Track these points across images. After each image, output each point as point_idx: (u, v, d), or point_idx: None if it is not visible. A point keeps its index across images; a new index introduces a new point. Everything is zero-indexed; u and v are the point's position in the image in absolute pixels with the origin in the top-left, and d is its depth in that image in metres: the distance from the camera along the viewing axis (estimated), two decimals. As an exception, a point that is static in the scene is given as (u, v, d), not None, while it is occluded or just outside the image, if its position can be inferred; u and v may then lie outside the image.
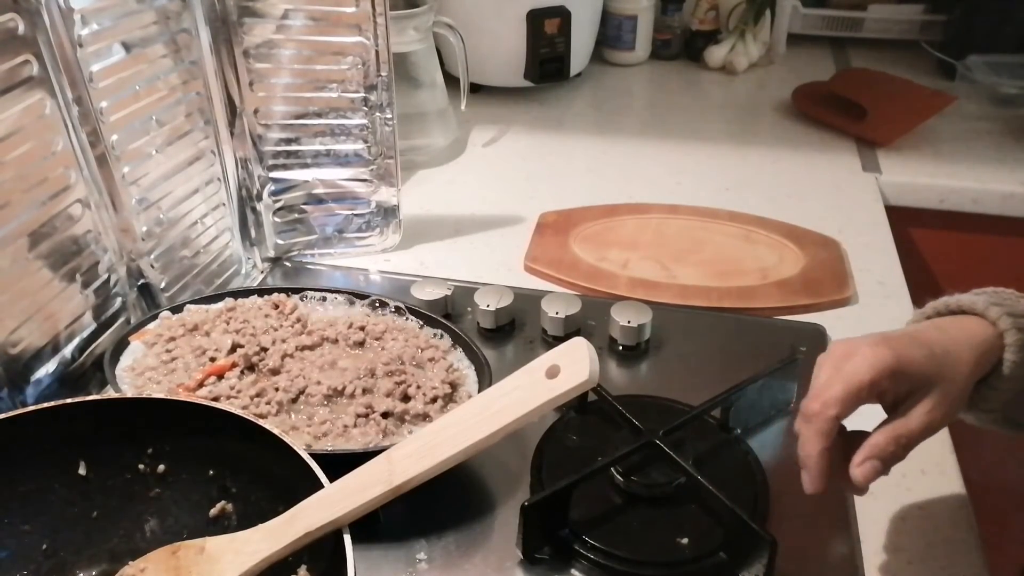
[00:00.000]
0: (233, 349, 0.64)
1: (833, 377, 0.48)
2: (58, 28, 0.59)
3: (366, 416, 0.59)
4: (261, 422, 0.50)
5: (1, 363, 0.59)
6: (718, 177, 1.06)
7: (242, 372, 0.63)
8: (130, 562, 0.51)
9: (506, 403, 0.46)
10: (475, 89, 1.25)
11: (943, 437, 0.65)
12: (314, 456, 0.48)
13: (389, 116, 0.81)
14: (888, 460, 0.48)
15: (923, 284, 1.05)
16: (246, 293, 0.73)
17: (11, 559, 0.50)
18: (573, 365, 0.45)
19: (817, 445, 0.48)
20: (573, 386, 0.44)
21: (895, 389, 0.48)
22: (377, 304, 0.72)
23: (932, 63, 1.36)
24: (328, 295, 0.73)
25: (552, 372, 0.45)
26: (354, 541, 0.43)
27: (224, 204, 0.81)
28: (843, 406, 0.47)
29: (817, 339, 0.75)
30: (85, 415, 0.51)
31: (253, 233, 0.86)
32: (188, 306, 0.71)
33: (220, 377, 0.62)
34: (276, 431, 0.49)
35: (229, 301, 0.72)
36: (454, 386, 0.63)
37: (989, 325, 0.51)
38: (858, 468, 0.48)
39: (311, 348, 0.66)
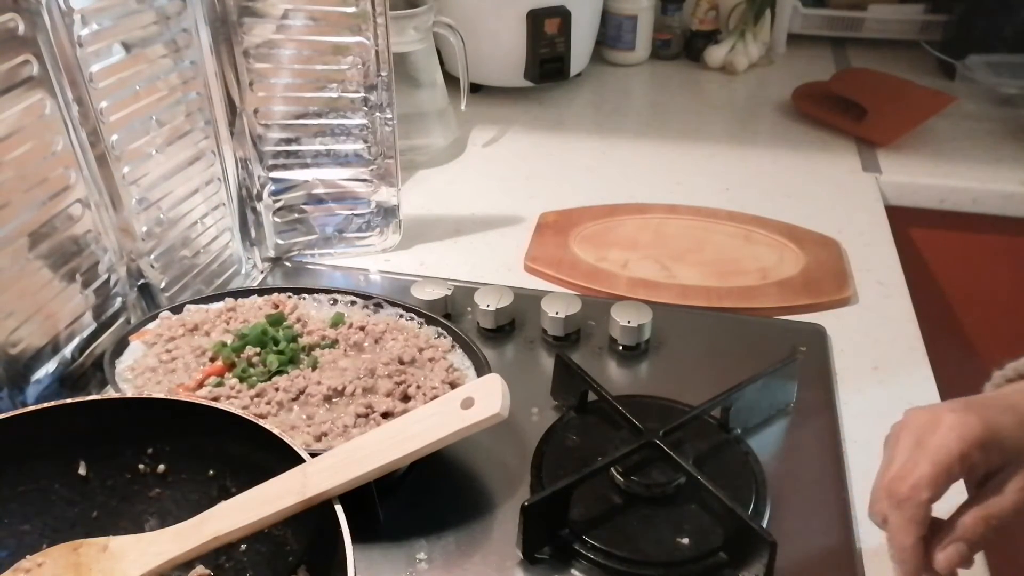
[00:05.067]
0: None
1: (918, 454, 0.43)
2: (58, 28, 0.59)
3: (366, 416, 0.59)
4: (261, 422, 0.50)
5: (1, 363, 0.59)
6: (718, 177, 1.06)
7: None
8: (28, 556, 0.50)
9: (421, 428, 0.48)
10: (475, 89, 1.25)
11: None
12: (314, 456, 0.48)
13: (389, 116, 0.81)
14: (977, 544, 0.43)
15: (923, 284, 1.05)
16: (246, 293, 0.73)
17: (11, 559, 0.50)
18: (487, 399, 0.48)
19: (912, 535, 0.43)
20: (484, 417, 0.47)
21: (985, 461, 0.43)
22: (377, 304, 0.72)
23: (932, 63, 1.36)
24: (328, 295, 0.73)
25: (467, 404, 0.48)
26: (354, 541, 0.43)
27: (224, 204, 0.81)
28: (936, 488, 0.43)
29: (817, 339, 0.75)
30: (85, 415, 0.51)
31: (253, 233, 0.86)
32: (188, 306, 0.71)
33: (220, 377, 0.62)
34: (276, 431, 0.49)
35: (229, 301, 0.72)
36: (454, 386, 0.63)
37: None
38: (942, 553, 0.43)
39: (311, 348, 0.66)
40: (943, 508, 0.45)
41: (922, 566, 0.43)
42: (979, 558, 0.56)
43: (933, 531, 0.44)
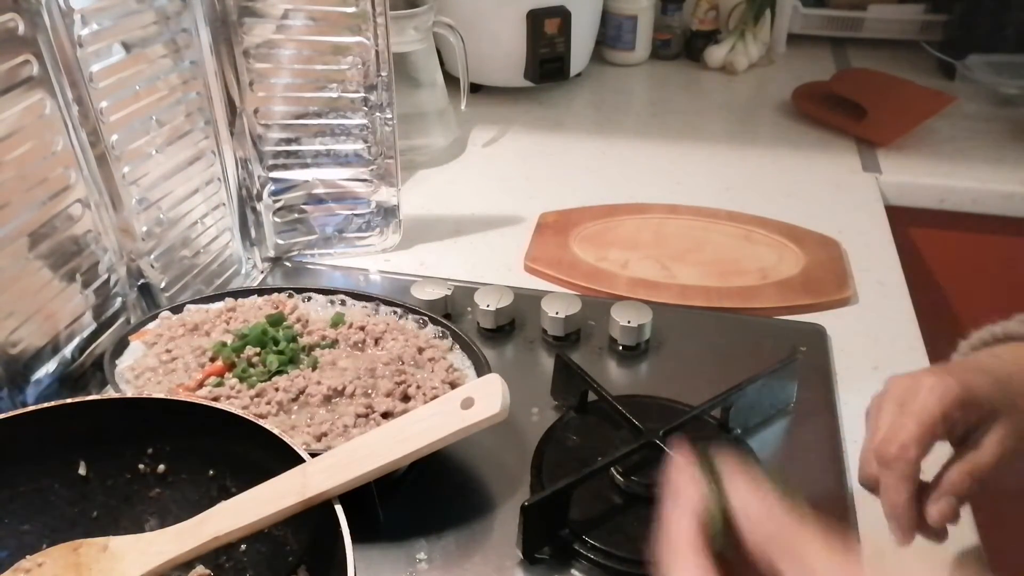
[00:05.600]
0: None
1: (902, 416, 0.46)
2: (58, 28, 0.59)
3: (366, 416, 0.59)
4: (261, 422, 0.50)
5: (1, 363, 0.59)
6: (718, 177, 1.06)
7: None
8: (28, 556, 0.50)
9: (421, 428, 0.48)
10: (475, 89, 1.25)
11: (943, 437, 0.65)
12: (314, 456, 0.48)
13: (389, 116, 0.81)
14: (964, 497, 0.45)
15: (923, 284, 1.05)
16: (246, 293, 0.73)
17: (11, 559, 0.50)
18: (487, 399, 0.48)
19: (904, 492, 0.45)
20: (485, 417, 0.47)
21: (964, 420, 0.46)
22: (377, 304, 0.72)
23: (932, 63, 1.36)
24: (328, 295, 0.73)
25: (467, 404, 0.48)
26: (354, 541, 0.43)
27: (224, 204, 0.81)
28: (921, 445, 0.45)
29: (817, 339, 0.75)
30: (85, 415, 0.51)
31: (253, 233, 0.86)
32: (188, 306, 0.71)
33: (220, 377, 0.62)
34: (276, 431, 0.49)
35: (229, 301, 0.71)
36: (454, 386, 0.63)
37: None
38: (934, 507, 0.45)
39: (311, 348, 0.66)
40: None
41: (916, 522, 0.45)
42: (979, 558, 0.56)
43: (921, 492, 0.46)
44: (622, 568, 0.53)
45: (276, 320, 0.67)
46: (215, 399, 0.59)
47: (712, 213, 0.96)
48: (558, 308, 0.74)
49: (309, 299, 0.73)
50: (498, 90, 1.29)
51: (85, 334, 0.67)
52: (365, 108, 0.81)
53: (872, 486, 0.48)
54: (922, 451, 0.45)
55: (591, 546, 0.54)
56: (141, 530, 0.53)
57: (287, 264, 0.88)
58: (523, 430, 0.65)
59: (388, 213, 0.88)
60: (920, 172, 1.07)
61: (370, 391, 0.61)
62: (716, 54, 1.40)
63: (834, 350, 0.75)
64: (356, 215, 0.88)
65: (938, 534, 0.46)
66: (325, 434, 0.58)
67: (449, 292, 0.77)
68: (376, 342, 0.67)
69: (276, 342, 0.65)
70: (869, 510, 0.59)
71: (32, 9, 0.57)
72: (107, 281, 0.69)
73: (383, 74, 0.79)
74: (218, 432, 0.51)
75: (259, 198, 0.84)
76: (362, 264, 0.88)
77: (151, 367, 0.63)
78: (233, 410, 0.52)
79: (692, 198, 0.99)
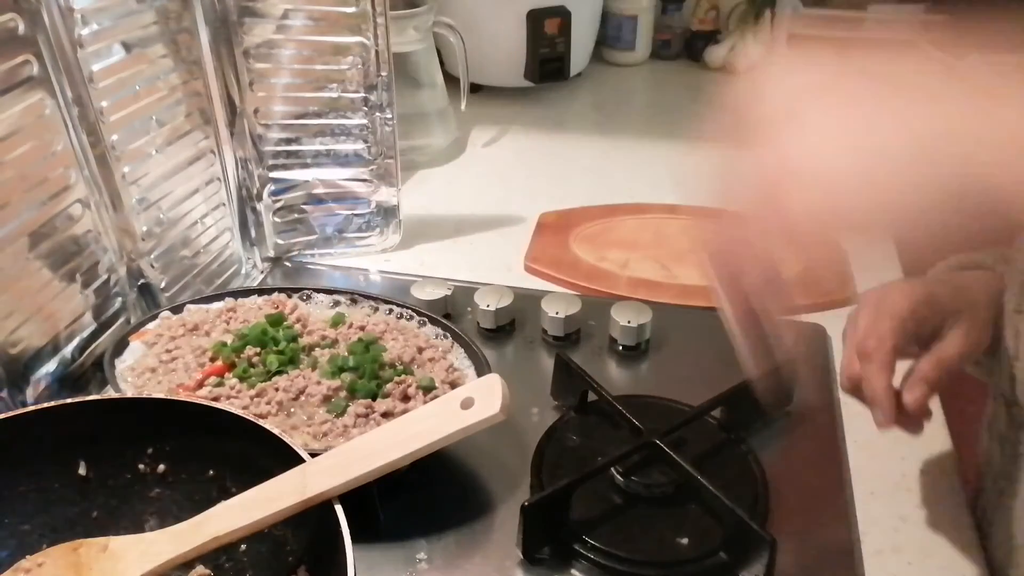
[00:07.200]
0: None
1: (877, 316, 0.51)
2: (58, 28, 0.59)
3: (366, 416, 0.59)
4: (261, 422, 0.50)
5: (1, 363, 0.59)
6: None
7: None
8: (28, 556, 0.50)
9: (421, 429, 0.48)
10: (475, 89, 1.25)
11: (943, 437, 0.65)
12: (314, 456, 0.48)
13: (389, 116, 0.81)
14: (934, 384, 0.50)
15: (923, 284, 1.05)
16: (246, 293, 0.73)
17: (11, 559, 0.50)
18: (486, 399, 0.48)
19: (883, 379, 0.50)
20: (484, 418, 0.47)
21: (931, 320, 0.51)
22: (377, 304, 0.72)
23: (932, 63, 1.36)
24: (328, 295, 0.73)
25: (466, 404, 0.48)
26: (354, 541, 0.43)
27: (224, 204, 0.81)
28: (897, 336, 0.50)
29: (817, 339, 0.75)
30: (85, 415, 0.51)
31: (253, 233, 0.86)
32: (188, 306, 0.71)
33: (220, 377, 0.62)
34: (276, 431, 0.49)
35: (229, 301, 0.71)
36: (454, 386, 0.63)
37: (995, 274, 0.55)
38: (909, 394, 0.50)
39: (311, 348, 0.66)
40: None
41: (895, 407, 0.50)
42: (979, 558, 0.56)
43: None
44: (622, 568, 0.53)
45: (276, 320, 0.67)
46: (215, 399, 0.59)
47: (712, 213, 0.95)
48: (558, 308, 0.74)
49: (309, 299, 0.73)
50: (498, 90, 1.29)
51: (85, 334, 0.67)
52: (365, 108, 0.81)
53: (855, 386, 0.52)
54: (898, 341, 0.50)
55: (591, 546, 0.54)
56: (141, 530, 0.53)
57: (287, 264, 0.88)
58: (523, 430, 0.65)
59: (388, 213, 0.88)
60: (920, 172, 1.06)
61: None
62: (716, 54, 1.39)
63: (834, 350, 0.74)
64: (356, 215, 0.88)
65: (916, 424, 0.51)
66: (325, 434, 0.58)
67: (449, 292, 0.77)
68: (376, 342, 0.67)
69: (276, 342, 0.65)
70: (869, 510, 0.59)
71: (32, 9, 0.57)
72: (107, 281, 0.69)
73: (383, 74, 0.79)
74: (218, 432, 0.51)
75: (259, 198, 0.84)
76: (362, 264, 0.88)
77: (151, 367, 0.63)
78: (233, 410, 0.52)
79: (692, 198, 0.99)
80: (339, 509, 0.45)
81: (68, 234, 0.64)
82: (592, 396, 0.65)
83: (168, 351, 0.65)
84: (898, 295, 0.52)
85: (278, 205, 0.85)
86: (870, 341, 0.51)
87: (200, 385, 0.61)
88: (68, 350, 0.65)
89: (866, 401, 0.52)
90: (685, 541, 0.54)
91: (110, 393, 0.62)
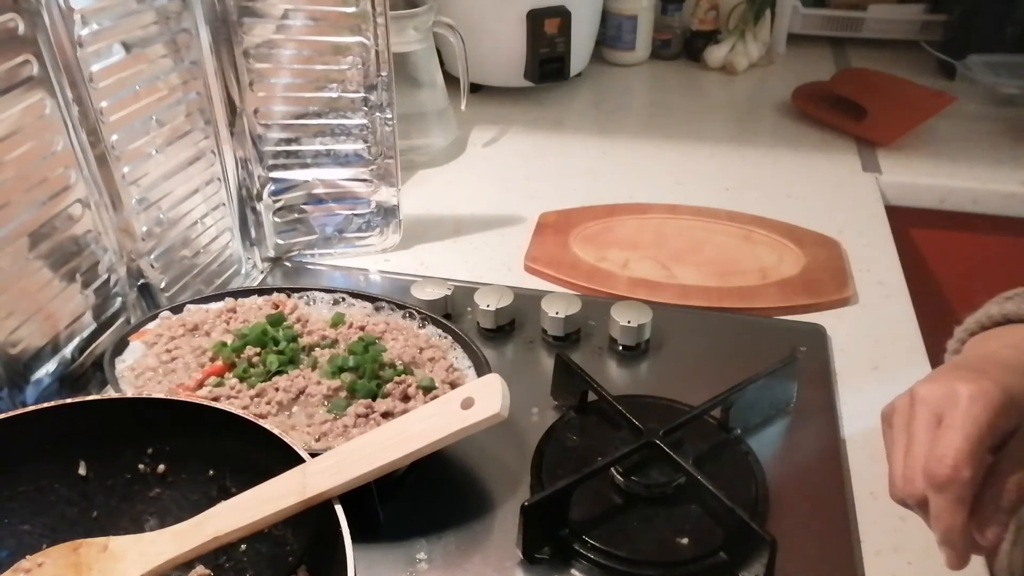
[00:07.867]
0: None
1: (947, 431, 0.41)
2: (58, 28, 0.59)
3: (366, 416, 0.59)
4: (261, 422, 0.50)
5: (1, 363, 0.59)
6: (718, 177, 1.06)
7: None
8: (28, 556, 0.50)
9: (421, 428, 0.48)
10: (475, 89, 1.25)
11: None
12: (314, 456, 0.48)
13: (389, 116, 0.81)
14: (1013, 510, 0.42)
15: (923, 284, 1.05)
16: (246, 293, 0.73)
17: (11, 559, 0.50)
18: (487, 399, 0.48)
19: (959, 518, 0.41)
20: (485, 417, 0.47)
21: (1007, 426, 0.42)
22: (377, 304, 0.72)
23: (932, 63, 1.36)
24: (328, 295, 0.73)
25: (467, 404, 0.48)
26: (354, 541, 0.43)
27: (224, 204, 0.81)
28: (974, 464, 0.40)
29: (817, 339, 0.75)
30: (85, 415, 0.51)
31: (253, 233, 0.86)
32: (188, 306, 0.71)
33: (220, 377, 0.62)
34: (276, 431, 0.49)
35: (229, 301, 0.71)
36: (454, 386, 0.63)
37: None
38: (991, 530, 0.41)
39: (311, 348, 0.66)
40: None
41: (970, 547, 0.42)
42: (979, 558, 0.56)
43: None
44: (622, 568, 0.53)
45: (276, 320, 0.67)
46: (215, 399, 0.59)
47: (712, 213, 0.96)
48: (558, 308, 0.74)
49: (309, 299, 0.73)
50: (498, 90, 1.29)
51: (85, 334, 0.67)
52: (365, 108, 0.81)
53: (913, 505, 0.44)
54: (977, 470, 0.41)
55: (591, 546, 0.54)
56: (141, 530, 0.53)
57: (287, 264, 0.88)
58: (523, 430, 0.65)
59: (388, 213, 0.88)
60: (920, 172, 1.07)
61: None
62: (716, 54, 1.40)
63: (834, 350, 0.75)
64: (356, 215, 0.88)
65: (990, 550, 0.42)
66: (325, 434, 0.58)
67: (449, 292, 0.77)
68: (376, 342, 0.67)
69: (276, 342, 0.65)
70: (869, 510, 0.59)
71: (32, 9, 0.57)
72: (107, 281, 0.69)
73: (383, 74, 0.79)
74: (218, 432, 0.51)
75: (259, 198, 0.84)
76: (362, 264, 0.88)
77: (151, 367, 0.63)
78: (233, 410, 0.52)
79: (692, 198, 0.99)
80: (339, 509, 0.45)
81: (68, 234, 0.64)
82: (592, 396, 0.65)
83: (168, 351, 0.65)
84: (971, 403, 0.41)
85: (278, 205, 0.85)
86: (942, 469, 0.40)
87: (200, 385, 0.61)
88: (68, 350, 0.65)
89: (934, 531, 0.43)
90: (685, 541, 0.54)
91: (110, 393, 0.62)
